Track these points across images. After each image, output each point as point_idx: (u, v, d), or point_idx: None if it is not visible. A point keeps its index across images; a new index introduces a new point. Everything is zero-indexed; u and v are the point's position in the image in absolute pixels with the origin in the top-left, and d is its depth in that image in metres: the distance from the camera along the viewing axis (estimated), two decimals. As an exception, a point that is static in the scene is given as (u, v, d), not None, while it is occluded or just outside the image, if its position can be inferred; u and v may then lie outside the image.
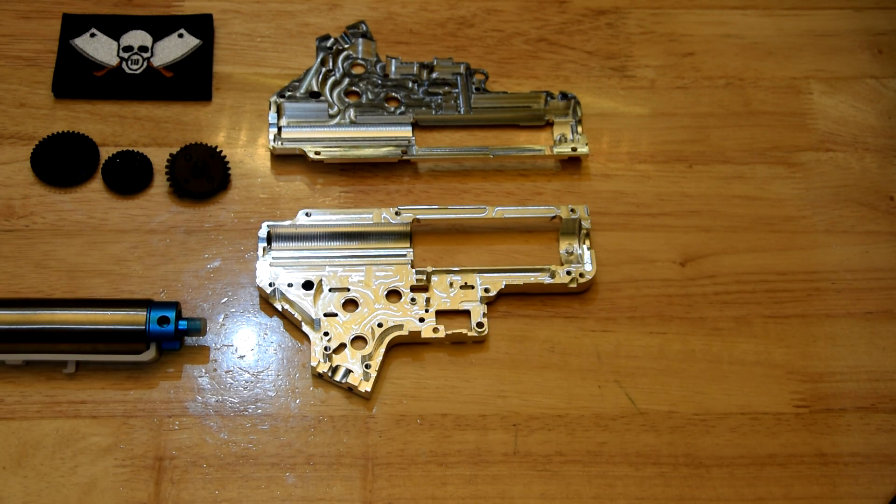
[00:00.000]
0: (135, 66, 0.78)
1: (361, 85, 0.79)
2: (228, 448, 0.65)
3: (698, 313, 0.71)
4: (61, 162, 0.74)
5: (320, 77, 0.78)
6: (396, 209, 0.72)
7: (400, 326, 0.68)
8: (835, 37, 0.85)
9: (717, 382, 0.69)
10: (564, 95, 0.79)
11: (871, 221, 0.76)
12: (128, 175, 0.74)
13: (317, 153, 0.74)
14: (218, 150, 0.75)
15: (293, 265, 0.70)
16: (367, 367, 0.67)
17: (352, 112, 0.77)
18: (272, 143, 0.75)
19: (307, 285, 0.70)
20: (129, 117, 0.77)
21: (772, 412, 0.68)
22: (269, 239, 0.71)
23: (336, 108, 0.77)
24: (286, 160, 0.76)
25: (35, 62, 0.79)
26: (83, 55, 0.78)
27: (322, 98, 0.78)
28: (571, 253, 0.73)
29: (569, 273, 0.71)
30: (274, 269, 0.70)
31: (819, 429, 0.67)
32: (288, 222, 0.72)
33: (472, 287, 0.70)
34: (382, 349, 0.68)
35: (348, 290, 0.70)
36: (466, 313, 0.70)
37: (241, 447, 0.65)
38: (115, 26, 0.80)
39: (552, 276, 0.71)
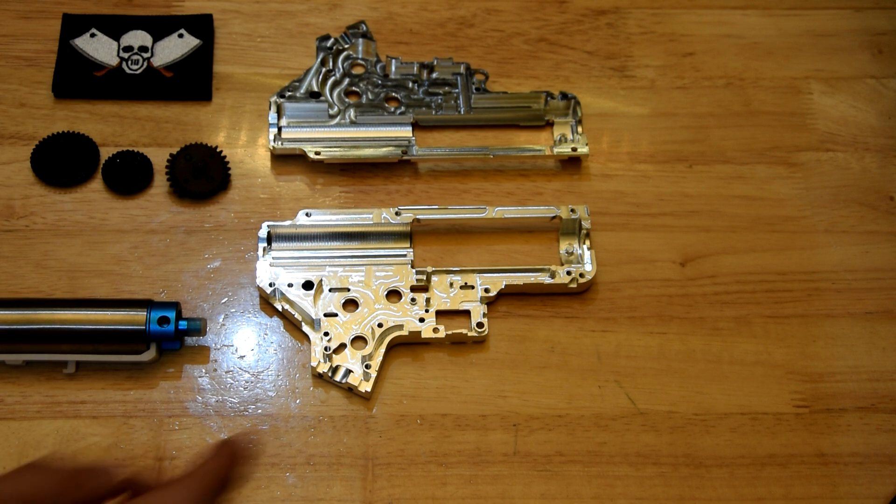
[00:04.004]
0: (135, 66, 0.78)
1: (361, 85, 0.79)
2: (228, 448, 0.65)
3: (698, 313, 0.71)
4: (61, 162, 0.74)
5: (320, 77, 0.78)
6: (396, 209, 0.72)
7: (400, 326, 0.68)
8: (835, 37, 0.85)
9: (717, 382, 0.69)
10: (564, 95, 0.79)
11: (871, 221, 0.76)
12: (128, 175, 0.74)
13: (317, 153, 0.74)
14: (218, 150, 0.75)
15: (293, 265, 0.70)
16: (368, 367, 0.67)
17: (352, 112, 0.77)
18: (272, 143, 0.75)
19: (307, 285, 0.70)
20: (129, 117, 0.77)
21: (772, 412, 0.68)
22: (269, 239, 0.71)
23: (336, 108, 0.77)
24: (286, 160, 0.76)
25: (35, 62, 0.79)
26: (83, 55, 0.78)
27: (322, 98, 0.78)
28: (571, 253, 0.73)
29: (569, 273, 0.71)
30: (274, 270, 0.70)
31: (819, 429, 0.67)
32: (288, 222, 0.72)
33: (472, 287, 0.70)
34: (382, 349, 0.68)
35: (348, 290, 0.70)
36: (466, 313, 0.70)
37: (241, 447, 0.65)
38: (115, 26, 0.80)
39: (552, 276, 0.71)
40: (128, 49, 0.79)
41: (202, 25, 0.81)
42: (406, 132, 0.77)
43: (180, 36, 0.80)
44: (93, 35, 0.79)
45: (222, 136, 0.77)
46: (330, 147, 0.75)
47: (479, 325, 0.69)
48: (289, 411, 0.66)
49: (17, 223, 0.72)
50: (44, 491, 0.45)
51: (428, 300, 0.70)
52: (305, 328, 0.68)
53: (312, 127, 0.76)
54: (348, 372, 0.67)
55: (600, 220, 0.75)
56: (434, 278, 0.71)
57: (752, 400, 0.68)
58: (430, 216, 0.73)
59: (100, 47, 0.79)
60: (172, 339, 0.66)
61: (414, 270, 0.71)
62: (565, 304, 0.71)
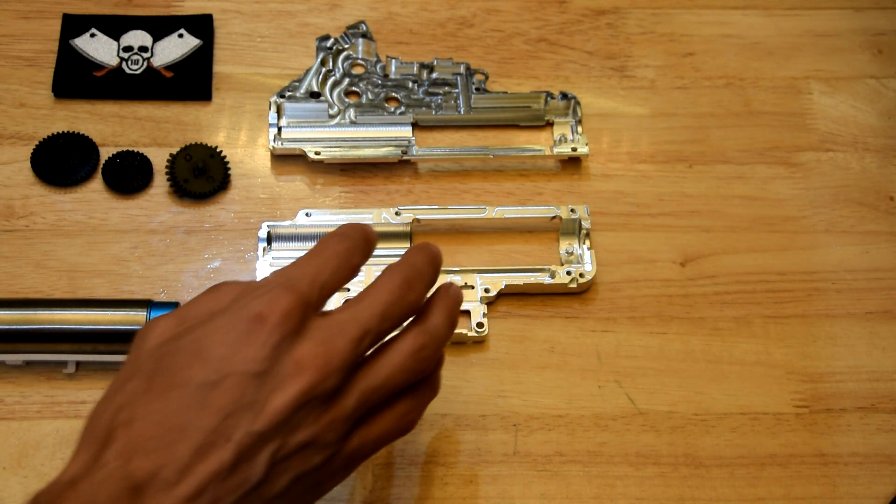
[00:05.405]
0: (135, 67, 0.78)
1: (361, 85, 0.79)
2: (228, 448, 0.65)
3: (698, 313, 0.71)
4: (61, 162, 0.74)
5: (320, 77, 0.78)
6: (396, 209, 0.72)
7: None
8: (835, 37, 0.85)
9: (717, 382, 0.69)
10: (564, 95, 0.79)
11: (871, 221, 0.76)
12: (128, 175, 0.74)
13: (317, 153, 0.75)
14: (218, 150, 0.75)
15: (293, 265, 0.70)
16: (367, 367, 0.67)
17: (352, 112, 0.77)
18: (272, 143, 0.75)
19: (307, 285, 0.69)
20: (129, 117, 0.77)
21: (772, 412, 0.68)
22: (269, 239, 0.71)
23: (336, 108, 0.77)
24: (286, 160, 0.76)
25: (35, 62, 0.79)
26: (83, 55, 0.78)
27: (322, 98, 0.78)
28: (571, 253, 0.73)
29: (569, 273, 0.71)
30: (274, 269, 0.70)
31: (819, 429, 0.67)
32: (288, 222, 0.72)
33: (472, 287, 0.70)
34: (382, 349, 0.68)
35: (348, 290, 0.70)
36: (466, 313, 0.70)
37: (241, 447, 0.65)
38: (115, 26, 0.80)
39: (552, 276, 0.71)
40: (128, 49, 0.79)
41: (202, 25, 0.81)
42: (406, 132, 0.77)
43: (180, 36, 0.80)
44: (93, 35, 0.79)
45: (222, 136, 0.77)
46: (330, 147, 0.75)
47: (479, 325, 0.69)
48: (289, 411, 0.66)
49: (17, 223, 0.72)
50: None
51: (428, 300, 0.70)
52: (305, 328, 0.68)
53: (312, 127, 0.76)
54: (348, 372, 0.67)
55: (600, 220, 0.75)
56: (434, 278, 0.71)
57: (752, 400, 0.68)
58: (430, 216, 0.73)
59: (100, 47, 0.79)
60: (172, 339, 0.66)
61: (414, 270, 0.71)
62: (565, 304, 0.71)
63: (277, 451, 0.45)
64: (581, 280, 0.71)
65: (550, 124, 0.79)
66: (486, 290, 0.70)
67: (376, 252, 0.71)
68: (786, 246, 0.75)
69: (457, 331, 0.69)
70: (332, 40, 0.81)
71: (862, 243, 0.75)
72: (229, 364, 0.45)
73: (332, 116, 0.77)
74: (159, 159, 0.75)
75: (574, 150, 0.76)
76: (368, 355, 0.50)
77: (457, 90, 0.79)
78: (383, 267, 0.70)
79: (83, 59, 0.78)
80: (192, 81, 0.78)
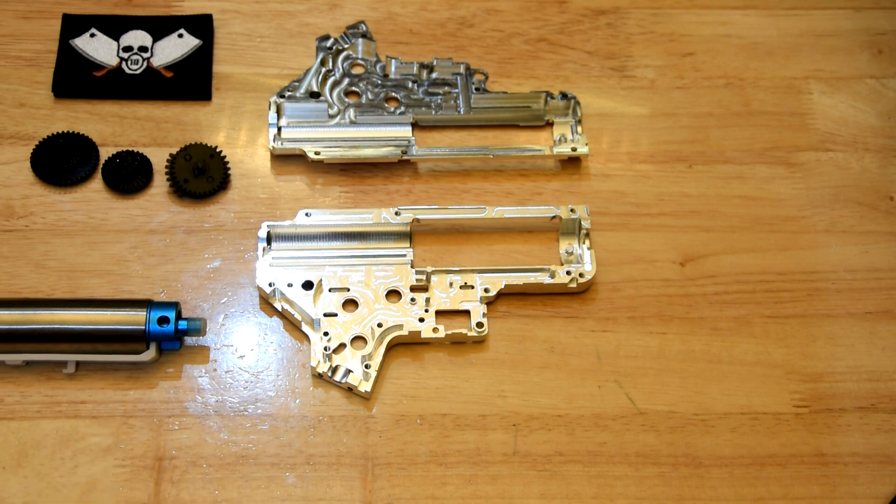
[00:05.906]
0: (135, 66, 0.78)
1: (361, 85, 0.79)
2: (228, 448, 0.65)
3: (698, 313, 0.71)
4: (61, 162, 0.74)
5: (320, 77, 0.78)
6: (396, 209, 0.72)
7: (400, 326, 0.68)
8: (835, 37, 0.85)
9: (717, 382, 0.69)
10: (564, 95, 0.79)
11: (871, 221, 0.76)
12: (128, 175, 0.74)
13: (317, 153, 0.75)
14: (218, 150, 0.75)
15: (293, 265, 0.70)
16: (367, 367, 0.67)
17: (352, 112, 0.77)
18: (272, 143, 0.75)
19: (307, 285, 0.70)
20: (129, 117, 0.77)
21: (772, 412, 0.68)
22: (269, 239, 0.71)
23: (336, 108, 0.77)
24: (286, 160, 0.76)
25: (35, 62, 0.79)
26: (83, 55, 0.78)
27: (322, 98, 0.78)
28: (571, 253, 0.73)
29: (569, 273, 0.71)
30: (274, 269, 0.70)
31: (819, 429, 0.67)
32: (288, 222, 0.72)
33: (472, 287, 0.70)
34: (382, 349, 0.68)
35: (348, 290, 0.70)
36: (466, 313, 0.70)
37: (240, 447, 0.65)
38: (115, 26, 0.80)
39: (552, 276, 0.71)
40: (127, 49, 0.79)
41: (202, 25, 0.81)
42: (406, 132, 0.77)
43: (180, 36, 0.80)
44: (93, 35, 0.79)
45: (222, 136, 0.77)
46: (330, 147, 0.75)
47: (479, 324, 0.69)
48: (288, 411, 0.66)
49: (16, 223, 0.72)
50: None
51: (428, 300, 0.70)
52: (305, 328, 0.69)
53: (312, 127, 0.76)
54: (348, 372, 0.67)
55: (600, 220, 0.75)
56: (434, 278, 0.71)
57: (752, 400, 0.68)
58: (430, 216, 0.73)
59: (100, 47, 0.79)
60: (172, 339, 0.66)
61: (414, 270, 0.71)
62: (565, 304, 0.71)
63: None
64: (581, 280, 0.71)
65: (550, 124, 0.79)
66: (486, 290, 0.70)
67: (378, 252, 0.72)
68: (786, 246, 0.75)
69: (457, 331, 0.69)
70: (332, 40, 0.81)
71: (862, 243, 0.75)
72: None
73: (331, 116, 0.77)
74: (159, 159, 0.75)
75: (574, 150, 0.76)
76: None
77: (457, 90, 0.79)
78: (384, 267, 0.71)
79: (83, 59, 0.78)
80: (191, 81, 0.78)
